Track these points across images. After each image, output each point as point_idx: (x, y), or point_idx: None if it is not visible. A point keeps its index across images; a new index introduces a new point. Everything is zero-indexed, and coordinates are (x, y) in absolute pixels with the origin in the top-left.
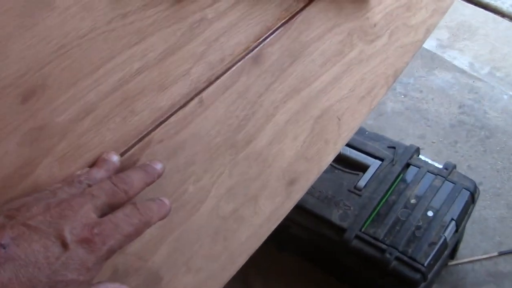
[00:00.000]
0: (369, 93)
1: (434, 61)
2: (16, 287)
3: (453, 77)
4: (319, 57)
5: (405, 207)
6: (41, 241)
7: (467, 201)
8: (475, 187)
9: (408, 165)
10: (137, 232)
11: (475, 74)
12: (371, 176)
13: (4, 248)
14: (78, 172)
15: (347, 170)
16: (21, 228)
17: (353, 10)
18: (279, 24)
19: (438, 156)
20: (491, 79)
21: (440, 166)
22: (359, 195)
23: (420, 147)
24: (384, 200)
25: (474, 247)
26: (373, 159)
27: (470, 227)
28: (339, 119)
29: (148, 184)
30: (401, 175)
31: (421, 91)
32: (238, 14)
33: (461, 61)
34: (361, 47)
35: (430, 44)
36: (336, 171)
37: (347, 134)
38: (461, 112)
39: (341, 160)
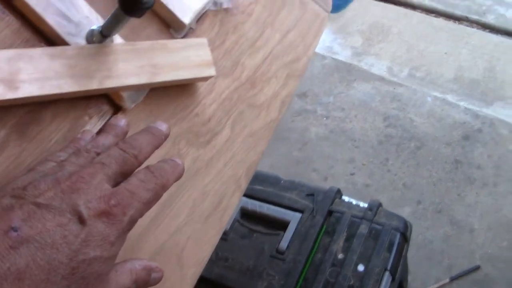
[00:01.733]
0: (216, 208)
1: (351, 72)
2: (35, 272)
3: (373, 87)
4: None
5: (333, 264)
6: (55, 219)
7: (399, 244)
8: (405, 224)
9: (330, 212)
10: (156, 197)
11: (394, 79)
12: (293, 234)
13: (16, 231)
14: (81, 137)
15: (266, 231)
16: (31, 207)
17: (175, 110)
18: None
19: (370, 179)
20: (412, 81)
21: (366, 205)
22: (283, 260)
23: (350, 173)
24: (309, 261)
25: (424, 277)
26: (292, 213)
27: (415, 254)
28: (179, 257)
29: (156, 147)
30: (324, 226)
31: (343, 109)
32: None
33: (379, 67)
34: (194, 153)
35: (345, 54)
36: (255, 234)
37: (195, 271)
38: (387, 124)
39: (258, 220)
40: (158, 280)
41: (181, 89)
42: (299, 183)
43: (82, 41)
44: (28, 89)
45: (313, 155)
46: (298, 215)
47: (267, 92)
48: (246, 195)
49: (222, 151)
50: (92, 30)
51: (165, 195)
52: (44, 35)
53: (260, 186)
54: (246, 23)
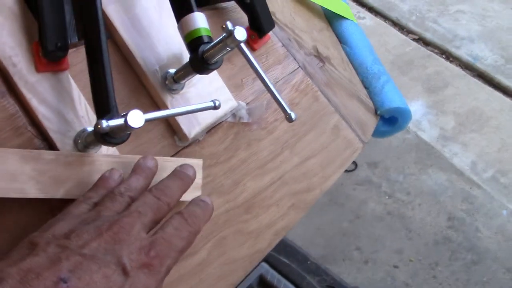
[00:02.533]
0: None
1: (430, 157)
2: None
3: (448, 179)
4: None
5: None
6: (101, 271)
7: None
8: None
9: None
10: (189, 244)
11: (474, 178)
12: None
13: (66, 282)
14: (109, 176)
15: None
16: (78, 258)
17: None
18: None
19: (412, 279)
20: (493, 186)
21: None
22: None
23: (394, 265)
24: None
25: None
26: None
27: None
28: None
29: (184, 192)
30: None
31: (408, 193)
32: None
33: (463, 159)
34: None
35: (431, 134)
36: None
37: None
38: (450, 226)
39: None
40: None
41: None
42: (325, 270)
43: (69, 142)
44: None
45: (362, 232)
46: None
47: (262, 220)
48: (270, 263)
49: (190, 274)
50: (83, 132)
51: None
52: (37, 128)
53: (287, 259)
54: (263, 140)
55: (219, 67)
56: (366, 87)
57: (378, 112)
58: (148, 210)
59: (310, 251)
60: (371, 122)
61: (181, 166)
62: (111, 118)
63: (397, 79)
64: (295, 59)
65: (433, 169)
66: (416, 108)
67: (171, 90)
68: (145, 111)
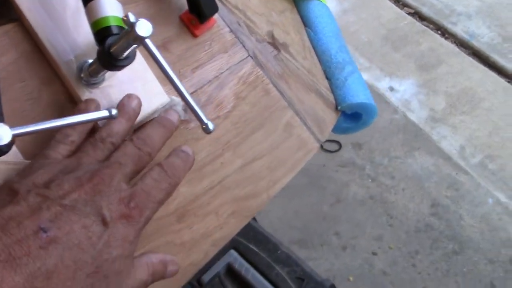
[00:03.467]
0: None
1: (418, 139)
2: (62, 271)
3: (435, 164)
4: None
5: None
6: (80, 221)
7: None
8: None
9: None
10: (168, 195)
11: (462, 163)
12: None
13: (46, 232)
14: (86, 108)
15: None
16: (58, 209)
17: None
18: None
19: (391, 267)
20: (480, 172)
21: None
22: None
23: (373, 252)
24: None
25: None
26: None
27: None
28: None
29: (166, 139)
30: None
31: (392, 177)
32: None
33: (451, 143)
34: None
35: (420, 115)
36: None
37: None
38: (433, 213)
39: (237, 283)
40: (174, 273)
41: None
42: (295, 261)
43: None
44: None
45: (342, 217)
46: None
47: (197, 230)
48: (239, 251)
49: None
50: None
51: None
52: None
53: (257, 247)
54: (202, 140)
55: (131, 63)
56: (328, 78)
57: (339, 108)
58: (129, 161)
59: (287, 234)
60: (330, 118)
61: (165, 111)
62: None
63: (390, 55)
64: (244, 46)
65: (420, 153)
66: (407, 87)
67: (89, 84)
68: (60, 107)
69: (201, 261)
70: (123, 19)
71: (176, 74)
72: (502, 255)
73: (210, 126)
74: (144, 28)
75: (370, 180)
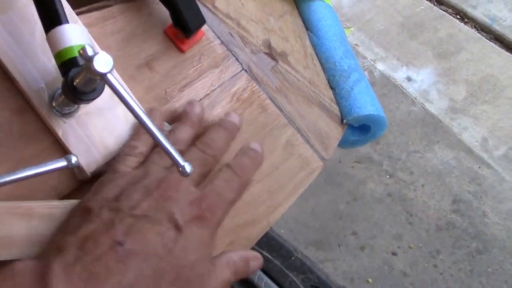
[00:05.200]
0: None
1: (438, 131)
2: (143, 281)
3: (456, 157)
4: None
5: None
6: (154, 229)
7: None
8: None
9: None
10: (239, 196)
11: (485, 156)
12: None
13: (122, 245)
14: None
15: None
16: (130, 220)
17: None
18: None
19: (411, 268)
20: (505, 165)
21: None
22: None
23: (393, 252)
24: None
25: None
26: None
27: None
28: None
29: (230, 142)
30: None
31: (411, 173)
32: None
33: (473, 134)
34: None
35: (439, 106)
36: None
37: None
38: (455, 209)
39: None
40: (258, 267)
41: None
42: (310, 268)
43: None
44: None
45: (359, 215)
46: None
47: None
48: None
49: None
50: None
51: None
52: None
53: (270, 254)
54: None
55: (98, 96)
56: (332, 88)
57: (345, 121)
58: (195, 165)
59: (303, 235)
60: (335, 133)
61: (226, 114)
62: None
63: (406, 44)
64: (237, 59)
65: (440, 146)
66: (424, 76)
67: (63, 114)
68: (33, 139)
69: None
70: (79, 53)
71: (144, 112)
72: None
73: (187, 168)
74: (103, 62)
75: (388, 176)
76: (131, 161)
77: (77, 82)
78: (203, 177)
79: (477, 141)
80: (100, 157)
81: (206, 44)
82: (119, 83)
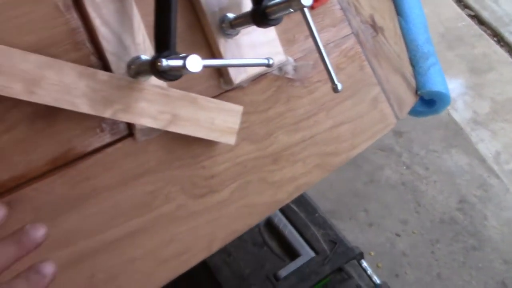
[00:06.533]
0: (176, 257)
1: (457, 137)
2: None
3: (469, 163)
4: (110, 208)
5: None
6: None
7: None
8: None
9: (339, 269)
10: None
11: (495, 167)
12: (296, 269)
13: None
14: None
15: (276, 251)
16: None
17: (184, 154)
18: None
19: (411, 250)
20: (511, 179)
21: (377, 282)
22: (274, 286)
23: (396, 233)
24: None
25: None
26: (307, 249)
27: None
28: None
29: (20, 258)
30: (327, 279)
31: (427, 169)
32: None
33: (488, 146)
34: (182, 201)
35: (463, 115)
36: (265, 248)
37: None
38: (459, 208)
39: (276, 236)
40: None
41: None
42: (330, 225)
43: (123, 65)
44: (42, 98)
45: (372, 196)
46: (311, 254)
47: (286, 173)
48: (280, 208)
49: (211, 209)
50: (137, 59)
51: (137, 224)
52: (95, 46)
53: (296, 207)
54: (303, 99)
55: (278, 23)
56: (412, 65)
57: (419, 92)
58: None
59: (320, 203)
60: (410, 100)
61: (30, 226)
62: (170, 57)
63: (443, 54)
64: (349, 24)
65: (457, 150)
66: (455, 86)
67: (226, 34)
68: (198, 49)
69: (285, 200)
70: None
71: (321, 40)
72: None
73: (339, 86)
74: None
75: (404, 168)
76: None
77: (269, 10)
78: None
79: (491, 153)
80: (246, 75)
81: (330, 6)
82: (310, 17)
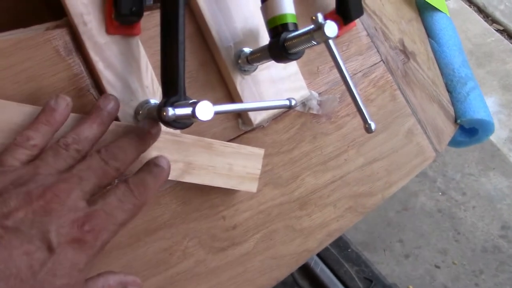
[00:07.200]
0: None
1: (495, 159)
2: None
3: (510, 186)
4: (122, 268)
5: None
6: (22, 247)
7: None
8: None
9: None
10: (132, 217)
11: None
12: None
13: None
14: (55, 108)
15: None
16: None
17: (201, 205)
18: None
19: (453, 283)
20: None
21: None
22: None
23: (436, 264)
24: None
25: None
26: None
27: None
28: None
29: (141, 153)
30: None
31: (464, 194)
32: None
33: None
34: (201, 256)
35: (499, 134)
36: None
37: None
38: (502, 235)
39: (306, 275)
40: None
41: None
42: (364, 261)
43: (130, 111)
44: None
45: (407, 225)
46: None
47: (315, 219)
48: None
49: (234, 264)
50: (146, 103)
51: (152, 285)
52: (100, 91)
53: None
54: (330, 135)
55: (299, 58)
56: (449, 91)
57: (458, 121)
58: (92, 176)
59: (351, 235)
60: (449, 130)
61: (143, 121)
62: (178, 105)
63: (473, 71)
64: (378, 51)
65: (495, 173)
66: (488, 104)
67: (243, 71)
68: (212, 88)
69: (315, 249)
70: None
71: (349, 74)
72: None
73: (372, 126)
74: (331, 29)
75: (440, 193)
76: (22, 154)
77: (289, 43)
78: (99, 189)
79: None
80: (266, 114)
81: (355, 33)
82: (336, 49)
